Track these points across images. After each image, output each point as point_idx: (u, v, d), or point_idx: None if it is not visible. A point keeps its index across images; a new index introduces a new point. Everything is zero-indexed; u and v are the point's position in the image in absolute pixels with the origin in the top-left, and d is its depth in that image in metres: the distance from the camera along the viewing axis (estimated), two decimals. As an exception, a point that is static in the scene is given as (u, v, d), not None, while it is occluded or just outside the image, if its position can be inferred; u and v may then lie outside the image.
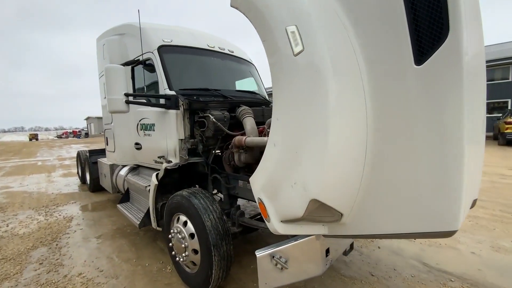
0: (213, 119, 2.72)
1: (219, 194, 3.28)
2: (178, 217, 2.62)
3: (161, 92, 3.07)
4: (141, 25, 3.01)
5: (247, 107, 3.00)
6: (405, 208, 1.27)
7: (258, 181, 1.56)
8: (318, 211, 1.41)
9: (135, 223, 3.25)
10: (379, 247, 3.31)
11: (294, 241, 1.77)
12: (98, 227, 4.30)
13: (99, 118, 51.67)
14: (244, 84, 3.99)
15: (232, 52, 3.92)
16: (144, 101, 3.13)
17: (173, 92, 2.94)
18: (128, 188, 4.08)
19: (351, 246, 2.55)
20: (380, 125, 1.26)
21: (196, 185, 3.69)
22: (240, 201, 3.45)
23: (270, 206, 1.50)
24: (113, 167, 4.93)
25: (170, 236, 2.65)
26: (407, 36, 1.15)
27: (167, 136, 3.01)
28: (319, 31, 1.22)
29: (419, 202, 1.23)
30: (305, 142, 1.26)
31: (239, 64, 3.96)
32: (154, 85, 3.29)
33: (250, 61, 4.26)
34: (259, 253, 1.71)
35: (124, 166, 4.44)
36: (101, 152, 6.42)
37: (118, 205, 3.96)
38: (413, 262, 2.94)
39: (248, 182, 2.74)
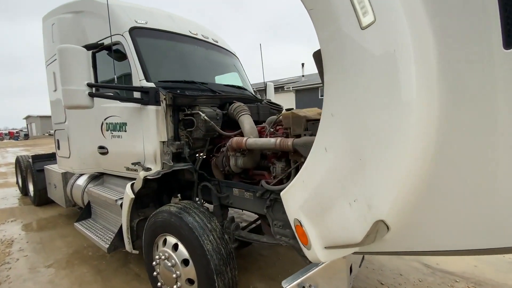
0: (205, 117, 2.27)
1: (205, 205, 2.83)
2: (165, 239, 2.11)
3: (135, 84, 2.50)
4: (108, 1, 2.41)
5: (242, 104, 2.60)
6: (475, 221, 1.04)
7: (295, 198, 1.20)
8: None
9: (103, 247, 2.61)
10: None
11: (321, 264, 1.45)
12: (48, 252, 3.46)
13: (42, 117, 45.54)
14: (226, 80, 3.56)
15: (217, 42, 3.47)
16: (111, 94, 2.52)
17: (151, 84, 2.40)
18: (89, 202, 3.35)
19: (363, 257, 2.34)
20: (455, 122, 1.00)
21: (178, 196, 3.16)
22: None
23: (313, 230, 1.15)
24: (66, 176, 4.08)
25: (154, 263, 2.13)
26: (497, 13, 0.90)
27: (144, 138, 2.46)
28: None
29: (496, 211, 1.01)
30: (376, 147, 0.94)
31: (224, 56, 3.52)
32: (124, 76, 2.69)
33: (234, 53, 3.84)
34: (287, 285, 1.35)
35: (82, 174, 3.67)
36: (49, 158, 5.37)
37: (76, 224, 3.22)
38: (416, 265, 2.86)
39: (246, 190, 2.38)
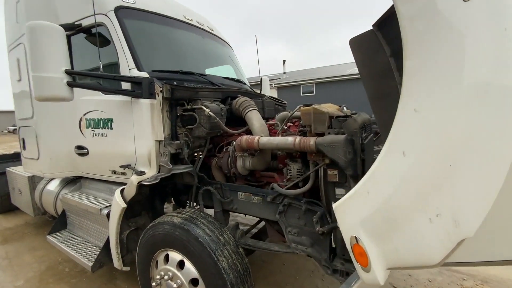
0: (210, 113, 1.98)
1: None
2: (167, 255, 1.80)
3: (123, 73, 2.14)
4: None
5: (248, 98, 2.34)
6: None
7: (355, 212, 0.99)
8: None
9: (85, 265, 2.23)
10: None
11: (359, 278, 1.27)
12: (17, 269, 2.94)
13: (1, 112, 41.10)
14: (220, 72, 3.27)
15: (212, 30, 3.15)
16: (98, 85, 2.13)
17: (144, 74, 2.06)
18: (64, 211, 2.89)
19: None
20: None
21: (171, 200, 2.83)
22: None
23: (375, 249, 0.96)
24: (33, 180, 3.54)
25: (154, 284, 1.81)
26: None
27: (135, 137, 2.11)
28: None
29: None
30: (475, 150, 0.75)
31: (220, 47, 3.21)
32: (108, 64, 2.30)
33: (229, 43, 3.54)
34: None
35: (53, 178, 3.18)
36: (10, 159, 4.68)
37: (49, 237, 2.75)
38: (421, 264, 2.82)
39: (254, 194, 2.14)
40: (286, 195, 1.92)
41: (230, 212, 2.36)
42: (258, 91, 3.43)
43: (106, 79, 2.20)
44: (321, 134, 1.72)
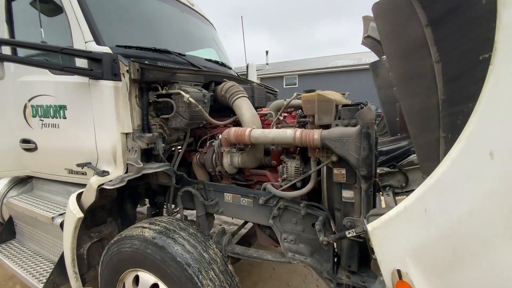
0: (190, 99, 1.61)
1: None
2: (137, 277, 1.44)
3: (77, 46, 1.69)
4: None
5: (235, 83, 1.99)
6: None
7: (403, 236, 0.70)
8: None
9: (33, 286, 1.80)
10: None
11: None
12: None
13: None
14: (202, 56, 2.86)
15: (193, 5, 2.71)
16: (39, 61, 1.66)
17: (105, 49, 1.63)
18: (11, 217, 2.39)
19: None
20: None
21: (146, 202, 2.43)
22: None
23: (426, 286, 0.68)
24: (-25, 180, 2.93)
25: (120, 313, 1.45)
26: None
27: (96, 129, 1.69)
28: None
29: None
30: None
31: (201, 25, 2.79)
32: (59, 36, 1.83)
33: (212, 23, 3.12)
34: None
35: (-1, 177, 2.63)
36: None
37: (-8, 250, 2.25)
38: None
39: (243, 195, 1.83)
40: (281, 198, 1.63)
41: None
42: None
43: (54, 55, 1.73)
44: (326, 127, 1.43)
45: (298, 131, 1.44)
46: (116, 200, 1.98)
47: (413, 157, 2.35)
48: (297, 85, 19.33)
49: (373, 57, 2.83)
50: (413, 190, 2.13)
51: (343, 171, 1.41)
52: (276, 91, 2.75)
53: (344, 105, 1.45)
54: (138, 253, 1.34)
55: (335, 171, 1.43)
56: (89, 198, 1.52)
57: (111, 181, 1.50)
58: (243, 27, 3.22)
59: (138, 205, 2.34)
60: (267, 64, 23.99)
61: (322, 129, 1.41)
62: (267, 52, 23.98)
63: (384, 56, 2.16)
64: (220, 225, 3.46)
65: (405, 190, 2.37)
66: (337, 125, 1.37)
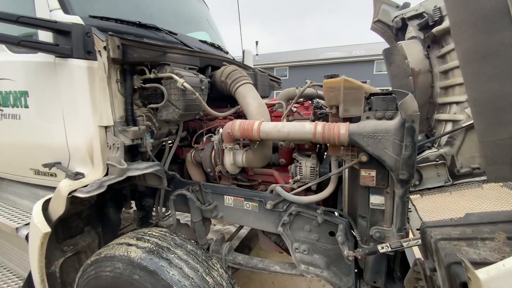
0: (184, 84, 1.30)
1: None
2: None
3: (40, 14, 1.33)
4: None
5: (238, 67, 1.69)
6: None
7: None
8: None
9: (-5, 312, 1.48)
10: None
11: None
12: None
13: None
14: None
15: (182, -23, 2.34)
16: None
17: (76, 19, 1.28)
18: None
19: None
20: None
21: (132, 205, 2.12)
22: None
23: None
24: None
25: None
26: None
27: (66, 120, 1.36)
28: None
29: None
30: None
31: (194, 2, 2.43)
32: (20, 5, 1.46)
33: (204, 1, 2.75)
34: None
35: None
36: None
37: None
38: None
39: (247, 199, 1.57)
40: (292, 202, 1.39)
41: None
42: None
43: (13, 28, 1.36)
44: (350, 120, 1.18)
45: (320, 125, 1.18)
46: (95, 204, 1.67)
47: (428, 152, 2.16)
48: (287, 77, 19.04)
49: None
50: (427, 188, 1.89)
51: (373, 173, 1.18)
52: (279, 80, 2.47)
53: (373, 94, 1.20)
54: (122, 279, 1.05)
55: (363, 173, 1.19)
56: (58, 208, 1.21)
57: (86, 186, 1.19)
58: (239, 9, 2.88)
59: (123, 209, 2.03)
60: (256, 55, 23.40)
61: (349, 123, 1.16)
62: (257, 43, 23.26)
63: (400, 42, 1.91)
64: (214, 225, 3.20)
65: (418, 188, 2.19)
66: (368, 117, 1.12)
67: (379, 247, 1.10)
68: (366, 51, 17.44)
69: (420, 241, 1.00)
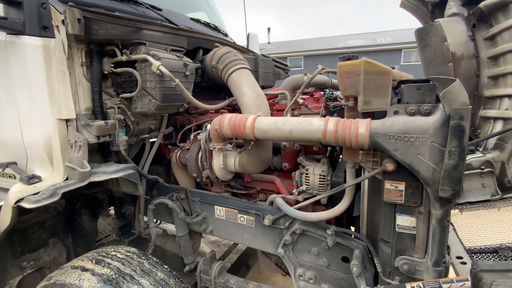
0: (161, 68, 1.13)
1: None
2: None
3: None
4: None
5: (232, 49, 1.49)
6: None
7: None
8: None
9: None
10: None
11: None
12: None
13: None
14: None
15: None
16: None
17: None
18: None
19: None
20: None
21: (110, 210, 1.99)
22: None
23: None
24: None
25: None
26: None
27: (20, 111, 1.22)
28: None
29: None
30: None
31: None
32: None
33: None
34: None
35: None
36: None
37: None
38: None
39: (241, 210, 1.39)
40: (295, 219, 1.21)
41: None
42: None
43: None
44: (373, 115, 0.98)
45: (332, 122, 0.98)
46: (63, 212, 1.53)
47: (470, 157, 1.90)
48: (302, 67, 18.68)
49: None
50: (468, 202, 1.63)
51: (401, 187, 0.98)
52: (287, 66, 2.25)
53: (403, 81, 0.99)
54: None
55: (388, 185, 0.99)
56: (4, 218, 1.06)
57: (35, 195, 1.04)
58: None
59: (100, 216, 1.89)
60: (268, 43, 23.09)
61: (371, 119, 0.94)
62: (269, 29, 22.97)
63: (438, 20, 1.67)
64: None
65: (457, 202, 1.94)
66: (396, 112, 0.90)
67: (407, 286, 0.89)
68: (392, 39, 16.76)
69: (468, 283, 0.79)
